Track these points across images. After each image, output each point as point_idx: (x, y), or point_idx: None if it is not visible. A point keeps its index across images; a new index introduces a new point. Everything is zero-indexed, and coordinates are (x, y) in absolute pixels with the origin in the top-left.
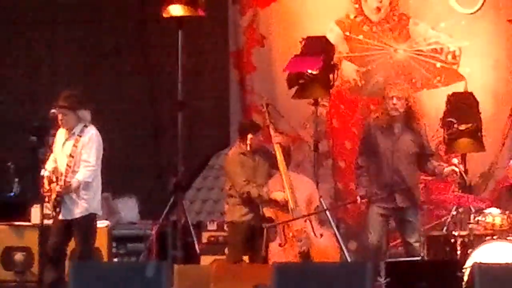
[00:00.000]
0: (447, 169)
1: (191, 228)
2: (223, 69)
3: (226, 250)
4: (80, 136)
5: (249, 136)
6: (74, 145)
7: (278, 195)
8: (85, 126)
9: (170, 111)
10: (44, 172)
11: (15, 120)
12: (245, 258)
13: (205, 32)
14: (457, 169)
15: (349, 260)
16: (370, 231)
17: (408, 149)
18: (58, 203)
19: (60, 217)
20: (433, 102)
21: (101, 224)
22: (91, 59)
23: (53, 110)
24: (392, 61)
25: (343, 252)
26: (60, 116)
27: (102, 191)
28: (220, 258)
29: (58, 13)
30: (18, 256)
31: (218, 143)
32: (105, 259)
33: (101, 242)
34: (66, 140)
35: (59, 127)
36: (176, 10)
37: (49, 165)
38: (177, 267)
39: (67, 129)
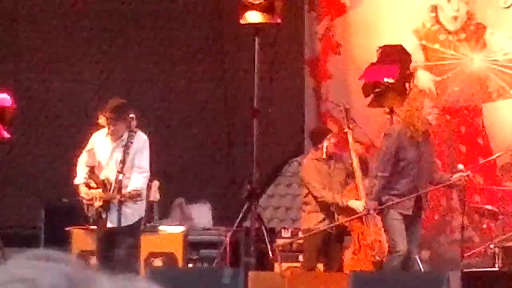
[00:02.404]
0: (456, 176)
1: (266, 235)
2: (298, 77)
3: (301, 258)
4: (131, 143)
5: (324, 142)
6: (126, 152)
7: (354, 203)
8: (132, 131)
9: (245, 118)
10: (79, 180)
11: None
12: (320, 265)
13: (281, 39)
14: (465, 174)
15: (422, 269)
16: (395, 240)
17: (429, 158)
18: (106, 210)
19: (109, 224)
20: (509, 112)
21: (177, 229)
22: (166, 64)
23: (101, 120)
24: (468, 71)
25: (416, 261)
26: (110, 127)
27: (177, 196)
28: (294, 265)
29: (131, 19)
30: (93, 260)
31: (292, 151)
32: (180, 264)
33: (176, 247)
34: (115, 147)
35: (94, 131)
36: (253, 17)
37: (81, 171)
38: (251, 274)
39: (112, 136)
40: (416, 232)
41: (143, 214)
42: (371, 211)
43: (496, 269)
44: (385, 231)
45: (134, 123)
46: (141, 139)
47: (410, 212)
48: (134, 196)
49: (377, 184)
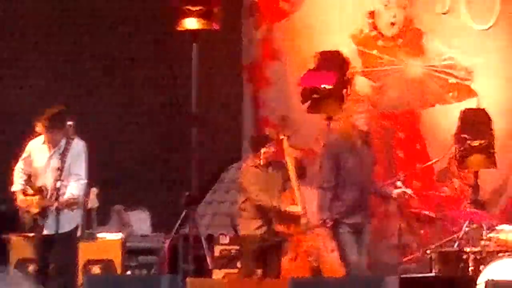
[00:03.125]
0: (397, 191)
1: (204, 241)
2: (236, 83)
3: (238, 264)
4: (68, 150)
5: (262, 149)
6: (62, 159)
7: (293, 208)
8: (69, 138)
9: (183, 124)
10: (15, 187)
11: None
12: (258, 272)
13: (219, 45)
14: (408, 191)
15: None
16: (345, 250)
17: (370, 164)
18: (42, 217)
19: (45, 231)
20: (446, 118)
21: (115, 236)
22: (105, 71)
23: (38, 128)
24: (405, 76)
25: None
26: (47, 134)
27: (115, 203)
28: (233, 271)
29: (72, 25)
30: (32, 268)
31: (230, 157)
32: (119, 271)
33: (114, 254)
34: (52, 154)
35: (30, 139)
36: (191, 24)
37: (18, 179)
38: (189, 281)
39: (49, 144)
40: (363, 240)
41: (79, 221)
42: (327, 222)
43: (433, 274)
44: (336, 242)
45: (71, 130)
46: (78, 146)
47: (359, 220)
48: (71, 204)
49: (326, 195)
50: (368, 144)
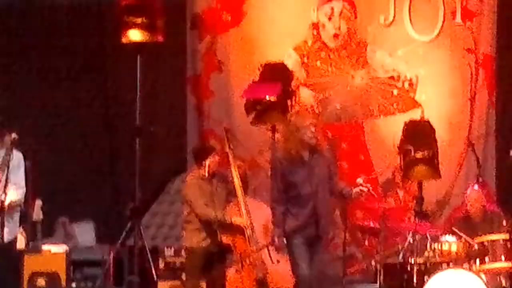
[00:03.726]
0: (355, 190)
1: (148, 253)
2: (180, 95)
3: (183, 276)
4: (7, 160)
5: (206, 161)
6: (2, 170)
7: (238, 220)
8: (8, 150)
9: (128, 137)
10: None
11: None
12: (203, 284)
13: (163, 57)
14: (365, 189)
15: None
16: (298, 263)
17: (321, 174)
18: None
19: None
20: (390, 129)
21: (60, 248)
22: (48, 83)
23: None
24: (349, 88)
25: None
26: None
27: (60, 215)
28: (177, 283)
29: (14, 37)
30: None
31: (175, 169)
32: (64, 283)
33: (59, 266)
34: None
35: None
36: (135, 36)
37: None
38: None
39: None
40: (316, 252)
41: (17, 233)
42: (276, 239)
43: (377, 285)
44: (289, 255)
45: (8, 141)
46: (17, 158)
47: (312, 233)
48: (11, 209)
49: (278, 210)
50: (320, 154)
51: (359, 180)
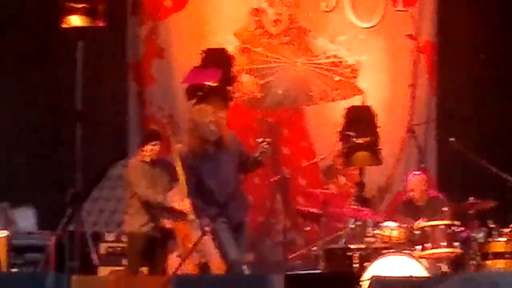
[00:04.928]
0: (258, 151)
1: (88, 239)
2: (122, 81)
3: (124, 261)
4: None
5: (149, 145)
6: None
7: (180, 205)
8: None
9: (69, 122)
10: None
11: None
12: (144, 269)
13: (105, 43)
14: (265, 144)
15: (246, 272)
16: (226, 248)
17: (229, 163)
18: None
19: None
20: (331, 115)
21: (0, 234)
22: None
23: None
24: (290, 74)
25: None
26: None
27: (0, 201)
28: (118, 269)
29: None
30: None
31: (116, 154)
32: (4, 269)
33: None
34: None
35: None
36: (76, 21)
37: None
38: (75, 278)
39: None
40: (242, 238)
41: None
42: (206, 228)
43: (319, 271)
44: (217, 242)
45: None
46: None
47: (231, 220)
48: None
49: (195, 206)
50: (225, 146)
51: (259, 140)
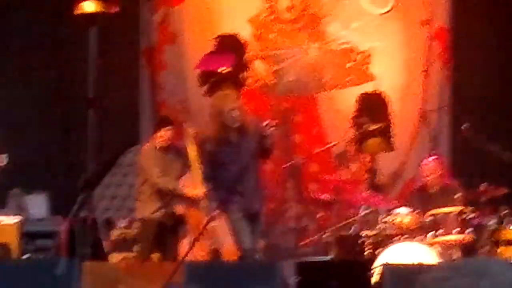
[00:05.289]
0: (268, 131)
1: (100, 225)
2: (134, 67)
3: (136, 248)
4: None
5: (162, 131)
6: None
7: (193, 191)
8: None
9: (81, 108)
10: None
11: None
12: (156, 255)
13: (117, 29)
14: (273, 123)
15: (257, 258)
16: (240, 237)
17: (251, 152)
18: None
19: None
20: (344, 101)
21: (12, 220)
22: (1, 54)
23: None
24: (303, 61)
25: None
26: None
27: (12, 187)
28: (130, 255)
29: None
30: None
31: (128, 141)
32: (16, 255)
33: (11, 238)
34: None
35: None
36: (88, 6)
37: None
38: (86, 264)
39: None
40: (258, 227)
41: None
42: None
43: (329, 258)
44: (231, 230)
45: None
46: None
47: (247, 208)
48: None
49: (210, 191)
50: (247, 133)
51: (266, 122)
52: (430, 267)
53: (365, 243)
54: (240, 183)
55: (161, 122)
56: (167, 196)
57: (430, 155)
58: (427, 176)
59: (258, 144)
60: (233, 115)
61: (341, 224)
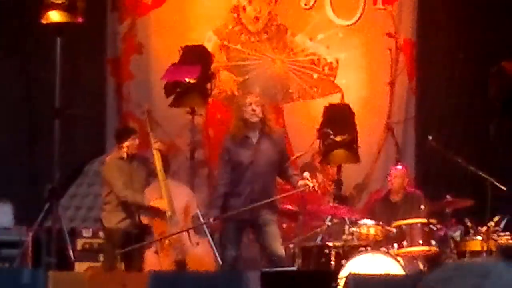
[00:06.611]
0: (301, 182)
1: (65, 235)
2: (100, 77)
3: (101, 257)
4: None
5: (126, 142)
6: None
7: (157, 202)
8: None
9: (47, 118)
10: None
11: None
12: (121, 265)
13: (83, 39)
14: (310, 184)
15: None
16: (227, 245)
17: (269, 157)
18: None
19: None
20: (310, 113)
21: None
22: None
23: None
24: (269, 72)
25: (218, 261)
26: None
27: None
28: (95, 265)
29: None
30: None
31: (94, 151)
32: None
33: None
34: None
35: None
36: (55, 16)
37: None
38: (52, 274)
39: None
40: (271, 230)
41: None
42: (211, 220)
43: (295, 268)
44: (220, 236)
45: None
46: None
47: (248, 217)
48: None
49: (218, 191)
50: (269, 136)
51: (306, 174)
52: (394, 277)
53: (331, 254)
54: (250, 186)
55: (125, 132)
56: (132, 207)
57: (397, 164)
58: (393, 182)
59: (279, 154)
60: (253, 107)
61: (306, 235)
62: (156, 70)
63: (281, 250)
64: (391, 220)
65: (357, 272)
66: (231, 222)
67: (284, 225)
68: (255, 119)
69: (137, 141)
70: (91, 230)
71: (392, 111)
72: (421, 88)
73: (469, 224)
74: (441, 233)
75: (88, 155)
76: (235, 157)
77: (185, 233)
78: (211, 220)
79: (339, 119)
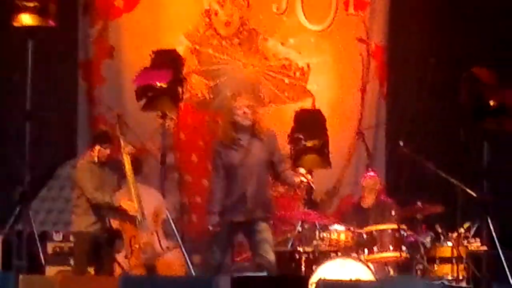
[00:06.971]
0: (296, 180)
1: (36, 238)
2: (72, 80)
3: (71, 261)
4: None
5: (97, 146)
6: None
7: (127, 205)
8: None
9: (18, 121)
10: None
11: None
12: (91, 269)
13: (55, 42)
14: (304, 180)
15: (193, 273)
16: (214, 247)
17: (260, 159)
18: None
19: None
20: (281, 118)
21: None
22: None
23: None
24: (241, 76)
25: (188, 265)
26: None
27: None
28: (66, 268)
29: None
30: None
31: (65, 154)
32: None
33: None
34: None
35: None
36: (26, 20)
37: None
38: (22, 277)
39: None
40: (261, 233)
41: None
42: (210, 227)
43: (265, 273)
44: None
45: None
46: None
47: (241, 219)
48: None
49: (213, 197)
50: (259, 138)
51: (302, 171)
52: (365, 283)
53: (302, 259)
54: (243, 188)
55: (98, 137)
56: (103, 211)
57: (368, 171)
58: (365, 188)
59: (270, 155)
60: (244, 110)
61: (277, 240)
62: (128, 73)
63: (272, 256)
64: (362, 226)
65: (327, 277)
66: (224, 226)
67: None
68: (247, 122)
69: (108, 151)
70: (61, 233)
71: (363, 117)
72: (392, 93)
73: (439, 230)
74: (412, 239)
75: (59, 158)
76: (226, 160)
77: (155, 237)
78: (210, 227)
79: (310, 124)
